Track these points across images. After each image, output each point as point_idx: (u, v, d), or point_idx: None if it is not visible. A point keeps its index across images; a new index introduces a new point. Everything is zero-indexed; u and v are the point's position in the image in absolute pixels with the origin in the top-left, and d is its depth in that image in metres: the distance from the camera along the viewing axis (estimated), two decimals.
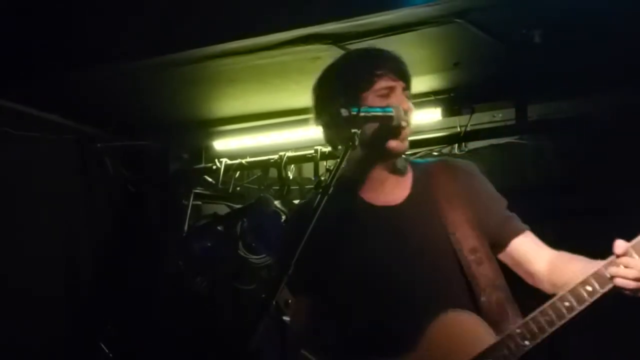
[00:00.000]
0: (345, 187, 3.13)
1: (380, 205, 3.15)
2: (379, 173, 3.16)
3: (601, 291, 2.77)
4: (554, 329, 2.82)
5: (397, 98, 3.09)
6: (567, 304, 2.80)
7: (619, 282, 2.77)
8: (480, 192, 3.17)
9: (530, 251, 3.11)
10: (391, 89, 3.10)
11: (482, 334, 2.92)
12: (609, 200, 5.06)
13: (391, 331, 3.03)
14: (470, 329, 2.95)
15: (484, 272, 3.03)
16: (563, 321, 2.81)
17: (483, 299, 3.00)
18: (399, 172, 3.16)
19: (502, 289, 3.05)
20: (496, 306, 3.00)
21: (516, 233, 3.12)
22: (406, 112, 3.07)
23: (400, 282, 3.05)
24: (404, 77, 3.15)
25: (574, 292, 2.80)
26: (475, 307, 3.00)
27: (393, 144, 3.09)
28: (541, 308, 2.85)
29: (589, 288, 2.78)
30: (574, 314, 2.80)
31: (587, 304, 2.78)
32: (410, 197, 3.14)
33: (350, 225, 3.14)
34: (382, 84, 3.10)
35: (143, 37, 4.67)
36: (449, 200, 3.10)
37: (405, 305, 3.03)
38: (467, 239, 3.06)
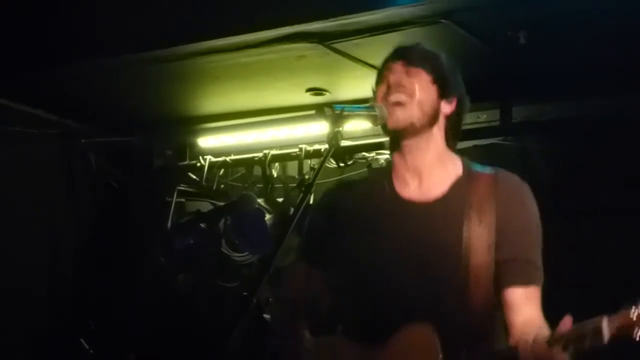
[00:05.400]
0: (383, 172, 3.22)
1: (406, 198, 3.12)
2: (397, 159, 3.15)
3: None
4: None
5: (394, 76, 3.10)
6: None
7: None
8: (515, 220, 3.03)
9: (516, 302, 2.98)
10: (390, 70, 3.13)
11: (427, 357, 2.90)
12: (595, 202, 5.08)
13: (374, 326, 3.04)
14: (419, 348, 2.93)
15: (478, 296, 2.99)
16: None
17: (471, 322, 2.99)
18: (420, 159, 3.12)
19: (487, 320, 3.01)
20: (476, 336, 2.98)
21: (517, 283, 2.99)
22: (392, 87, 3.07)
23: (396, 281, 3.05)
24: (403, 56, 3.15)
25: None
26: (464, 324, 2.98)
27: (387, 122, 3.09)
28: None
29: None
30: None
31: None
32: (442, 199, 3.08)
33: (376, 211, 3.15)
34: (385, 72, 3.16)
35: (129, 33, 4.66)
36: (480, 213, 3.02)
37: (393, 305, 3.04)
38: (477, 258, 2.99)
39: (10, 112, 5.56)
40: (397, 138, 3.13)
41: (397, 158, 3.16)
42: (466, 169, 3.14)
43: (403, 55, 3.16)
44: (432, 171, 3.12)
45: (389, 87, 3.09)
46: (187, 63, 4.87)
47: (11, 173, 5.56)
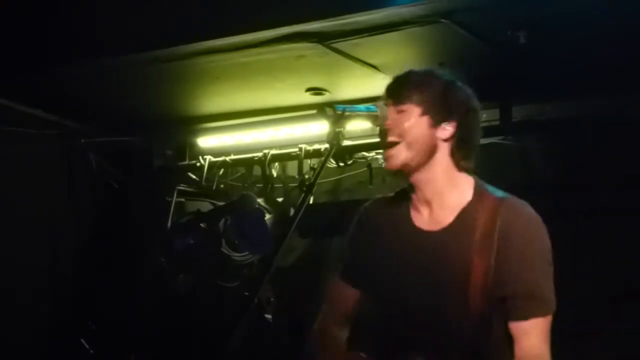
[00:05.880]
0: (407, 197, 3.21)
1: (419, 227, 3.14)
2: (411, 191, 3.18)
3: None
4: None
5: (384, 117, 3.09)
6: None
7: None
8: (514, 251, 2.99)
9: (515, 335, 3.00)
10: (382, 111, 3.12)
11: None
12: (595, 202, 5.08)
13: (386, 347, 3.13)
14: None
15: (468, 326, 3.00)
16: None
17: (467, 347, 3.01)
18: (429, 190, 3.12)
19: (482, 344, 3.02)
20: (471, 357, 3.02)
21: (515, 317, 2.99)
22: (382, 130, 3.09)
23: (405, 306, 3.10)
24: (390, 94, 3.14)
25: None
26: (460, 349, 3.01)
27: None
28: None
29: None
30: None
31: None
32: (449, 227, 3.08)
33: (393, 239, 3.19)
34: (379, 113, 3.14)
35: (129, 33, 4.66)
36: (483, 242, 3.00)
37: (400, 327, 3.11)
38: (475, 289, 2.98)
39: (10, 112, 5.56)
40: (402, 176, 3.14)
41: (411, 191, 3.18)
42: (477, 193, 3.11)
43: (390, 93, 3.15)
44: (441, 200, 3.11)
45: (380, 131, 3.11)
46: (187, 63, 4.86)
47: (11, 173, 5.56)
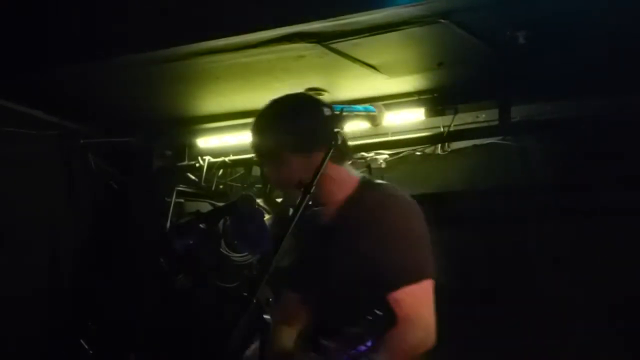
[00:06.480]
0: None
1: (319, 223, 3.39)
2: None
3: None
4: None
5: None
6: None
7: None
8: (382, 230, 3.17)
9: (391, 305, 3.12)
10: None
11: None
12: (595, 202, 5.09)
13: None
14: None
15: (346, 305, 3.14)
16: None
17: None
18: (325, 196, 3.33)
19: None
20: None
21: (390, 289, 3.13)
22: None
23: (309, 296, 3.40)
24: (259, 153, 3.51)
25: None
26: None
27: None
28: None
29: None
30: None
31: None
32: (334, 218, 3.32)
33: (310, 236, 3.40)
34: None
35: (128, 34, 4.66)
36: (355, 227, 3.20)
37: (314, 317, 3.38)
38: (351, 272, 3.17)
39: (10, 113, 5.56)
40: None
41: None
42: (359, 188, 3.32)
43: (258, 152, 3.46)
44: (331, 198, 3.33)
45: (270, 184, 3.30)
46: (187, 63, 4.86)
47: (11, 173, 5.56)
